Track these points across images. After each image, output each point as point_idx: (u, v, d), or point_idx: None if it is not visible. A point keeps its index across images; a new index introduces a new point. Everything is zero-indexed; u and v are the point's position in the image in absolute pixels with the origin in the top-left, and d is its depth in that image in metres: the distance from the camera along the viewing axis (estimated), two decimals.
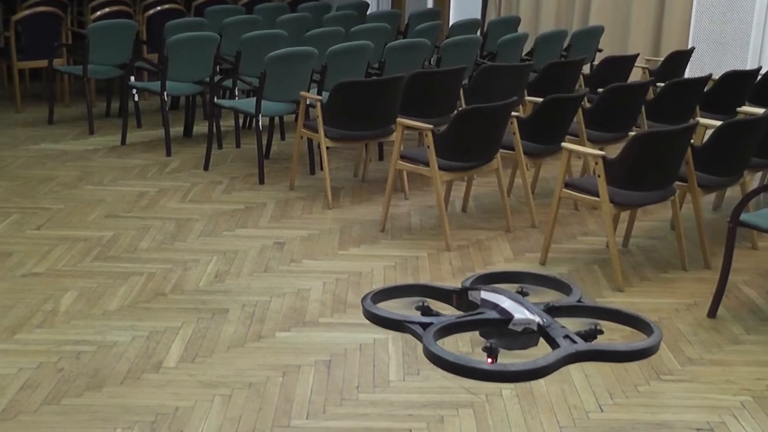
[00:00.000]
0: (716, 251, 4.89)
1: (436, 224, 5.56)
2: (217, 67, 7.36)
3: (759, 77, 7.20)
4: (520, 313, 2.49)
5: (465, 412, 3.36)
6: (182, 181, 6.38)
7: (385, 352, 3.84)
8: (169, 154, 7.06)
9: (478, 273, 2.83)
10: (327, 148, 6.01)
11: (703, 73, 6.95)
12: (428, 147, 5.14)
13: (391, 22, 9.09)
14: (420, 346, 3.83)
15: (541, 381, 3.58)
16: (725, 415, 3.40)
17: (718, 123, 5.09)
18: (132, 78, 7.65)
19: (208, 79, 7.24)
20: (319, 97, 6.03)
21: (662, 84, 6.74)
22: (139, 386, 3.48)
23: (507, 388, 3.53)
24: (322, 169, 6.10)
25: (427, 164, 5.19)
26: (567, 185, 4.90)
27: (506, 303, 2.55)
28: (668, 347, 3.91)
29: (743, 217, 4.28)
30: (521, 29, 9.35)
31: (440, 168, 5.17)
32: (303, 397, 3.45)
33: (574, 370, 3.65)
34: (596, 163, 4.63)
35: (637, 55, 8.04)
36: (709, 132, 5.13)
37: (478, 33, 9.11)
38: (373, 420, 3.30)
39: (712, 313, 4.34)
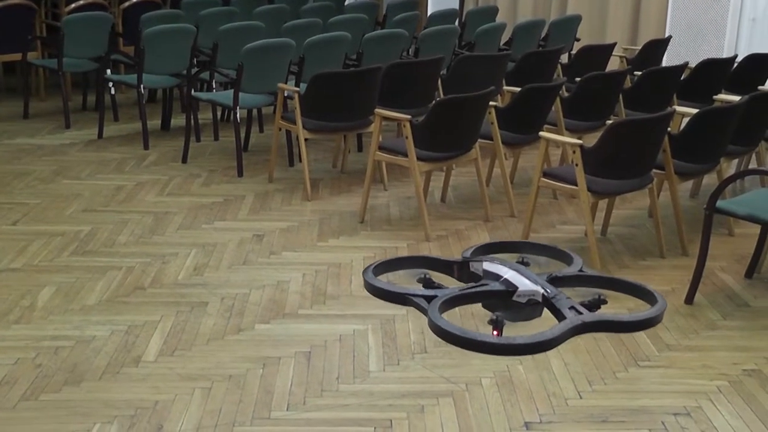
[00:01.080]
0: (693, 238, 4.92)
1: (415, 215, 5.56)
2: (194, 59, 7.33)
3: (735, 65, 7.24)
4: (524, 284, 2.47)
5: (445, 402, 3.37)
6: (160, 175, 6.36)
7: (365, 342, 3.84)
8: (146, 147, 7.03)
9: (478, 244, 2.80)
10: (305, 139, 6.00)
11: (680, 62, 6.98)
12: (407, 137, 5.14)
13: (368, 12, 9.07)
14: (400, 336, 3.85)
15: (520, 368, 3.61)
16: (702, 400, 3.43)
17: (695, 111, 5.11)
18: (108, 71, 7.61)
19: (185, 72, 7.21)
20: (297, 89, 6.01)
21: (639, 73, 6.77)
22: (118, 381, 3.47)
23: (486, 377, 3.54)
24: (300, 160, 6.10)
25: (405, 155, 5.19)
26: (545, 174, 4.91)
27: (509, 274, 2.52)
28: (646, 333, 3.93)
29: (719, 204, 4.31)
30: (499, 19, 9.37)
31: (419, 158, 5.17)
32: (283, 389, 3.44)
33: (553, 357, 3.67)
34: (574, 152, 4.64)
35: (615, 44, 8.06)
36: (686, 120, 5.15)
37: (456, 23, 9.10)
38: (354, 411, 3.30)
39: (690, 299, 4.37)
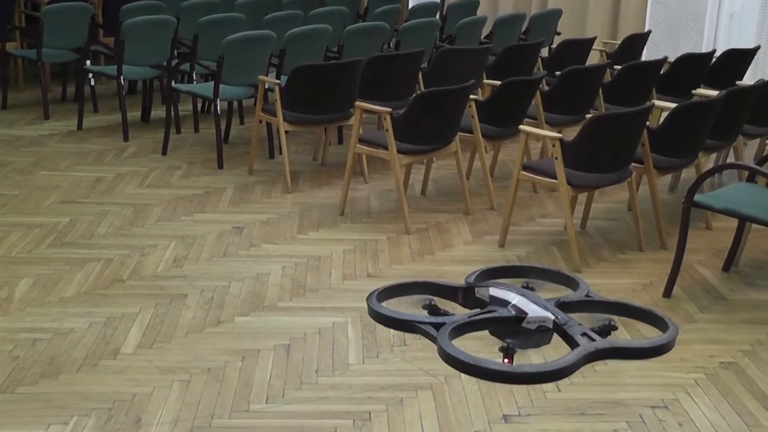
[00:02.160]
0: (672, 232, 4.95)
1: (395, 207, 5.56)
2: (175, 50, 7.30)
3: (713, 60, 7.27)
4: (533, 310, 2.44)
5: (424, 394, 3.38)
6: (140, 167, 6.33)
7: (345, 335, 3.85)
8: (126, 139, 7.00)
9: (481, 268, 2.78)
10: (286, 132, 5.99)
11: (659, 56, 7.00)
12: (387, 130, 5.14)
13: (349, 5, 9.06)
14: (379, 329, 3.85)
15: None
16: (679, 393, 3.45)
17: (674, 105, 5.14)
18: (88, 62, 7.56)
19: (165, 63, 7.18)
20: (278, 81, 6.00)
21: (619, 67, 6.79)
22: (96, 373, 3.46)
23: None
24: (281, 153, 6.09)
25: (386, 147, 5.19)
26: (525, 168, 4.92)
27: (516, 299, 2.49)
28: (623, 326, 3.95)
29: (697, 198, 4.33)
30: (480, 12, 9.38)
31: (399, 151, 5.18)
32: (262, 381, 3.44)
33: (532, 351, 3.68)
34: (554, 146, 4.66)
35: (595, 38, 8.09)
36: (665, 114, 5.18)
37: (437, 16, 9.10)
38: (333, 403, 3.31)
39: (668, 292, 4.39)
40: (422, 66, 6.72)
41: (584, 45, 7.79)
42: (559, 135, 4.70)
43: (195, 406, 3.25)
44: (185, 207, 5.50)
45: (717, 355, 3.79)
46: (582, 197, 5.34)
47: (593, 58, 8.06)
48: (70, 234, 4.94)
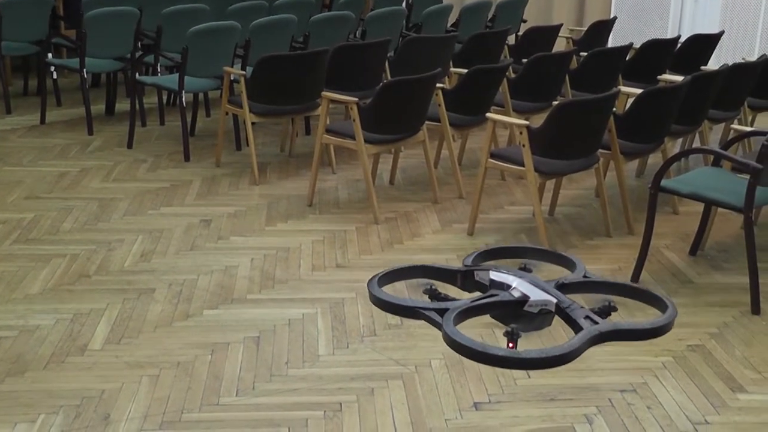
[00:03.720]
0: (639, 217, 4.97)
1: (363, 197, 5.55)
2: (138, 42, 7.22)
3: (678, 46, 7.32)
4: (536, 293, 2.43)
5: (395, 384, 3.38)
6: (105, 160, 6.27)
7: (314, 326, 3.83)
8: (90, 132, 6.93)
9: (479, 250, 2.76)
10: (252, 123, 5.95)
11: (625, 43, 7.03)
12: (354, 120, 5.12)
13: None
14: (349, 319, 3.85)
15: None
16: (647, 376, 3.47)
17: (640, 91, 5.16)
18: (49, 55, 7.47)
19: (128, 56, 7.11)
20: (243, 72, 5.96)
21: (585, 53, 6.81)
22: (63, 370, 3.42)
23: (435, 359, 3.55)
24: (248, 145, 6.05)
25: (353, 138, 5.18)
26: (492, 155, 4.93)
27: (517, 282, 2.47)
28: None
29: (664, 183, 4.35)
30: (446, 1, 9.36)
31: (366, 141, 5.16)
32: (232, 374, 3.42)
33: (502, 339, 3.69)
34: (521, 133, 4.66)
35: (561, 25, 8.11)
36: (631, 100, 5.20)
37: (403, 5, 9.09)
38: (304, 395, 3.29)
39: (635, 277, 4.41)
40: (389, 55, 6.70)
41: (550, 32, 7.80)
42: (526, 122, 4.71)
43: (164, 400, 3.22)
44: (152, 201, 5.45)
45: (684, 338, 3.81)
46: (550, 184, 5.36)
47: (559, 45, 8.09)
48: (34, 230, 4.89)
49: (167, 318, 3.89)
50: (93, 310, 3.94)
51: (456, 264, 4.53)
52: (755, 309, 4.12)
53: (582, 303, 2.40)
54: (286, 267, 4.49)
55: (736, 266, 4.63)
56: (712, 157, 4.92)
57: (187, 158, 6.32)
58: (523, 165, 4.69)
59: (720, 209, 4.66)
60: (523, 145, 4.65)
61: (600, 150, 4.99)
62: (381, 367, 3.50)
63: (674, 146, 6.42)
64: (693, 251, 4.81)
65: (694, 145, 6.53)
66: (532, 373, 3.46)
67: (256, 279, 4.33)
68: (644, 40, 7.23)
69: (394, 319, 3.88)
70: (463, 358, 3.53)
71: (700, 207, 4.76)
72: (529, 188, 4.81)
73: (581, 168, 4.93)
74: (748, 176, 4.09)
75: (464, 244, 4.86)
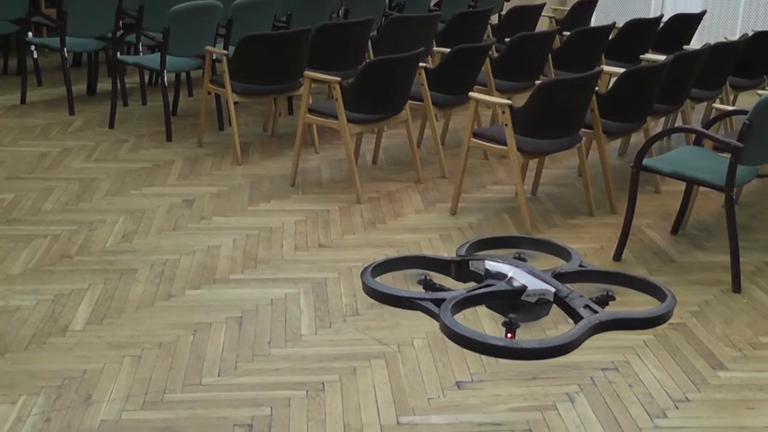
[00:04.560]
0: (622, 196, 4.98)
1: (346, 177, 5.54)
2: (120, 22, 7.17)
3: (661, 25, 7.32)
4: (534, 283, 2.40)
5: (377, 363, 3.38)
6: (87, 140, 6.24)
7: (297, 306, 3.83)
8: (72, 112, 6.88)
9: (471, 240, 2.74)
10: (235, 103, 5.93)
11: (608, 22, 7.03)
12: (336, 100, 5.10)
13: None
14: (332, 299, 3.85)
15: None
16: (629, 354, 3.49)
17: (622, 70, 5.16)
18: (30, 34, 7.39)
19: (110, 35, 7.05)
20: (225, 52, 5.93)
21: (568, 33, 6.80)
22: (44, 351, 3.41)
23: (418, 338, 3.56)
24: (230, 124, 6.03)
25: (336, 117, 5.16)
26: (475, 135, 4.92)
27: (513, 272, 2.45)
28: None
29: (646, 162, 4.36)
30: None
31: (349, 121, 5.15)
32: (214, 354, 3.42)
33: (483, 317, 3.70)
34: (503, 112, 4.66)
35: (544, 4, 8.10)
36: (614, 79, 5.21)
37: None
38: (286, 374, 3.29)
39: (618, 256, 4.43)
40: (371, 34, 6.67)
41: (533, 11, 7.79)
42: (509, 102, 4.71)
43: (147, 381, 3.22)
44: (134, 181, 5.43)
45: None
46: (533, 163, 5.36)
47: (542, 25, 8.08)
48: (15, 210, 4.86)
49: (149, 298, 3.88)
50: (74, 290, 3.92)
51: (439, 243, 4.55)
52: (736, 287, 4.14)
53: (579, 292, 2.39)
54: (269, 247, 4.48)
55: (718, 245, 4.65)
56: (694, 137, 4.93)
57: (169, 138, 6.29)
58: (505, 144, 4.69)
59: (702, 188, 4.68)
60: (506, 125, 4.65)
61: (582, 129, 4.99)
62: (363, 347, 3.50)
63: (656, 125, 6.43)
64: (675, 230, 4.83)
65: (676, 125, 6.56)
66: None
67: (238, 259, 4.32)
68: (627, 20, 7.23)
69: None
70: (445, 338, 3.54)
71: (681, 186, 4.77)
72: (512, 167, 4.81)
73: (564, 147, 4.94)
74: (729, 155, 4.10)
75: (447, 224, 4.86)
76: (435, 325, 3.60)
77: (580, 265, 2.61)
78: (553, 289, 2.37)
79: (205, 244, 4.49)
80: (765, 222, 5.00)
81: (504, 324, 2.29)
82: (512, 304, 2.39)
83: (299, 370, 3.33)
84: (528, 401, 3.16)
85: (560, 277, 2.50)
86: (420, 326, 3.63)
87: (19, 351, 3.39)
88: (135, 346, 3.46)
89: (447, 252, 4.45)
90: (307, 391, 3.17)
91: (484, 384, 3.27)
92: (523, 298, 2.37)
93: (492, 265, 2.49)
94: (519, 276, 2.41)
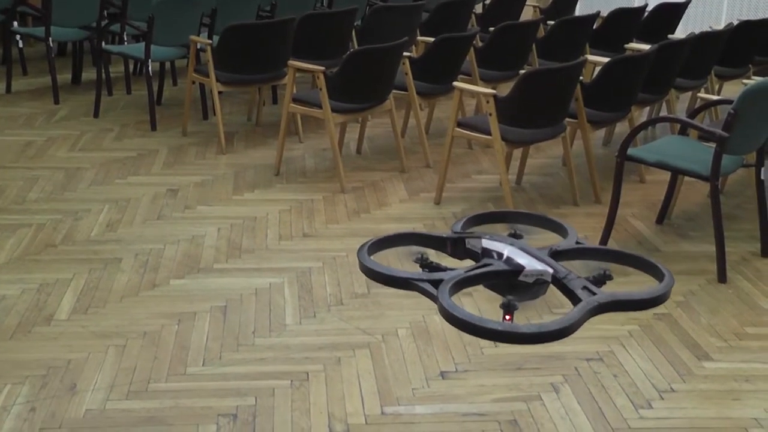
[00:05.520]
0: (606, 186, 5.00)
1: (330, 167, 5.54)
2: (104, 11, 7.13)
3: (645, 14, 7.33)
4: (530, 263, 2.35)
5: (361, 353, 3.38)
6: (71, 130, 6.21)
7: (281, 296, 3.83)
8: (57, 102, 6.85)
9: (467, 216, 2.72)
10: (219, 92, 5.91)
11: (592, 11, 7.03)
12: (320, 89, 5.10)
13: None
14: (316, 288, 3.85)
15: (436, 318, 3.62)
16: (614, 344, 3.50)
17: (606, 60, 5.17)
18: (15, 23, 7.35)
19: (94, 24, 7.02)
20: (210, 41, 5.91)
21: (552, 22, 6.81)
22: (29, 340, 3.40)
23: (402, 328, 3.56)
24: (214, 114, 6.01)
25: (320, 106, 5.15)
26: (459, 124, 4.92)
27: (508, 250, 2.41)
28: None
29: (630, 151, 4.37)
30: None
31: (333, 110, 5.14)
32: (199, 344, 3.42)
33: (468, 306, 3.71)
34: (488, 102, 4.66)
35: None
36: (598, 69, 5.21)
37: None
38: (270, 364, 3.30)
39: (603, 245, 4.44)
40: (355, 24, 6.66)
41: (518, 1, 7.79)
42: (494, 91, 4.71)
43: (131, 370, 3.21)
44: (118, 170, 5.41)
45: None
46: (517, 153, 5.37)
47: (527, 14, 8.07)
48: (0, 199, 4.85)
49: (134, 288, 3.87)
50: (59, 280, 3.91)
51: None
52: (721, 277, 4.16)
53: (576, 270, 2.37)
54: (253, 236, 4.47)
55: (703, 234, 4.67)
56: (678, 126, 4.94)
57: (153, 127, 6.27)
58: (490, 134, 4.70)
59: (686, 178, 4.69)
60: (490, 114, 4.65)
61: (567, 119, 5.00)
62: (348, 337, 3.51)
63: (641, 115, 6.44)
64: (660, 220, 4.85)
65: (661, 114, 6.57)
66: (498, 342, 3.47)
67: (222, 248, 4.32)
68: (611, 9, 7.23)
69: (360, 288, 3.89)
70: (429, 327, 3.55)
71: (666, 175, 4.79)
72: (497, 157, 4.81)
73: (548, 137, 4.95)
74: (714, 145, 4.11)
75: (431, 213, 4.87)
76: (419, 314, 3.64)
77: (577, 242, 2.59)
78: (550, 270, 2.34)
79: (190, 234, 4.48)
80: (750, 212, 5.02)
81: (502, 306, 2.27)
82: (510, 284, 2.37)
83: (283, 360, 3.33)
84: (513, 391, 3.17)
85: (557, 255, 2.46)
86: (404, 316, 3.63)
87: (4, 340, 3.38)
88: (120, 335, 3.46)
89: None
90: (291, 381, 3.18)
91: (468, 374, 3.27)
92: (521, 278, 2.34)
93: (488, 243, 2.47)
94: (515, 255, 2.38)
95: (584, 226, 4.73)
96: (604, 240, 4.45)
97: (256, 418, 2.95)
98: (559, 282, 2.34)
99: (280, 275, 4.03)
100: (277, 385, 3.14)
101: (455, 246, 2.55)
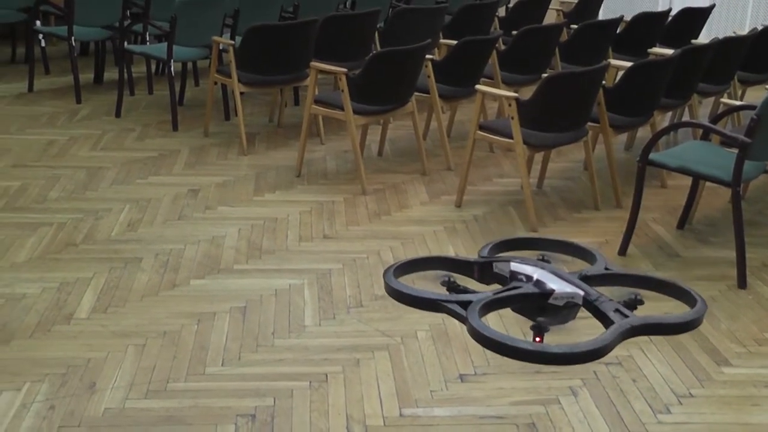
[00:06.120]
0: (628, 191, 4.97)
1: (352, 168, 5.54)
2: (127, 11, 7.16)
3: (669, 19, 7.29)
4: (560, 285, 2.33)
5: (380, 355, 3.38)
6: (93, 129, 6.24)
7: (301, 297, 3.83)
8: (79, 101, 6.89)
9: (494, 241, 2.71)
10: (241, 93, 5.93)
11: (616, 15, 7.01)
12: (342, 91, 5.10)
13: None
14: (336, 290, 3.85)
15: (455, 321, 3.61)
16: (633, 349, 3.48)
17: (629, 64, 5.15)
18: (38, 22, 7.40)
19: (117, 24, 7.05)
20: (232, 42, 5.93)
21: (576, 26, 6.78)
22: (49, 338, 3.42)
23: (422, 330, 3.56)
24: (236, 114, 6.03)
25: (342, 108, 5.16)
26: (481, 127, 4.91)
27: (539, 274, 2.35)
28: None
29: (652, 156, 4.35)
30: None
31: (355, 112, 5.14)
32: (218, 344, 3.42)
33: (499, 319, 3.69)
34: (510, 105, 4.65)
35: None
36: (621, 73, 5.19)
37: None
38: (289, 365, 3.30)
39: (623, 250, 4.42)
40: (378, 26, 6.67)
41: (541, 4, 7.77)
42: (516, 94, 4.70)
43: (150, 370, 3.22)
44: (140, 170, 5.43)
45: (671, 312, 3.81)
46: (539, 157, 5.35)
47: (550, 18, 8.05)
48: (21, 198, 4.87)
49: (154, 287, 3.88)
50: (79, 279, 3.93)
51: (444, 236, 4.55)
52: (742, 283, 4.13)
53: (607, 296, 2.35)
54: (274, 237, 4.48)
55: (724, 240, 4.64)
56: (701, 131, 4.92)
57: (175, 128, 6.30)
58: (511, 137, 4.68)
59: (708, 183, 4.66)
60: (512, 118, 4.64)
61: (589, 123, 4.98)
62: (367, 338, 3.51)
63: (663, 120, 6.41)
64: (681, 225, 4.82)
65: (683, 119, 6.53)
66: None
67: (243, 249, 4.33)
68: (635, 13, 7.21)
69: (380, 290, 3.88)
70: (449, 330, 3.55)
71: (688, 181, 4.76)
72: (518, 161, 4.80)
73: (570, 141, 4.93)
74: (736, 150, 4.09)
75: (452, 216, 4.86)
76: (438, 317, 3.63)
77: (606, 269, 2.57)
78: (581, 293, 2.32)
79: (210, 234, 4.49)
80: None
81: (532, 327, 2.26)
82: (539, 307, 2.34)
83: (303, 361, 3.33)
84: (531, 395, 3.16)
85: (587, 279, 2.44)
86: (423, 319, 3.63)
87: (24, 338, 3.40)
88: (139, 335, 3.47)
89: (452, 245, 4.45)
90: (310, 382, 3.18)
91: (487, 377, 3.27)
92: (551, 301, 2.31)
93: (517, 267, 2.44)
94: (545, 278, 2.36)
95: (605, 231, 4.71)
96: (625, 245, 4.43)
97: (274, 418, 2.95)
98: (590, 305, 2.31)
99: (300, 276, 4.04)
100: (295, 386, 3.15)
101: (482, 270, 2.53)
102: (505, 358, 3.35)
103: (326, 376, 3.23)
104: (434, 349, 3.44)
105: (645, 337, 3.56)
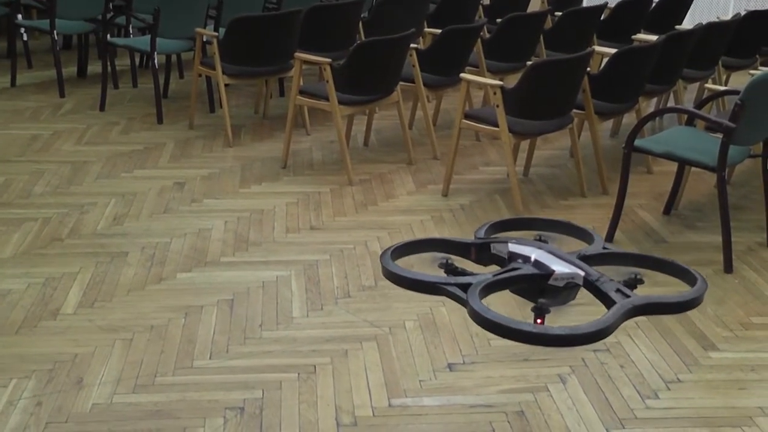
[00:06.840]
0: (614, 177, 4.98)
1: (338, 159, 5.53)
2: (110, 4, 7.12)
3: (653, 5, 7.30)
4: (560, 266, 2.32)
5: (369, 345, 3.38)
6: (77, 123, 6.21)
7: (288, 289, 3.82)
8: (62, 95, 6.85)
9: (490, 222, 2.68)
10: (226, 85, 5.90)
11: (600, 2, 7.00)
12: (327, 81, 5.08)
13: None
14: (323, 281, 3.84)
15: (443, 310, 3.62)
16: (620, 335, 3.49)
17: (614, 51, 5.15)
18: (19, 16, 7.34)
19: (100, 17, 7.01)
20: (216, 34, 5.90)
21: (560, 13, 6.78)
22: (35, 334, 3.40)
23: (410, 320, 3.56)
24: (221, 106, 6.01)
25: (327, 99, 5.14)
26: (467, 116, 4.91)
27: (537, 255, 2.34)
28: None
29: (638, 142, 4.36)
30: None
31: (340, 102, 5.13)
32: (206, 337, 3.41)
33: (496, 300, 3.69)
34: (495, 93, 4.65)
35: None
36: (606, 60, 5.19)
37: None
38: (277, 357, 3.29)
39: (610, 237, 4.43)
40: (362, 16, 6.64)
41: None
42: (501, 82, 4.69)
43: (138, 364, 3.21)
44: (125, 163, 5.41)
45: (665, 291, 3.82)
46: (524, 144, 5.36)
47: (534, 5, 8.03)
48: (5, 194, 4.84)
49: (140, 281, 3.87)
50: (65, 273, 3.91)
51: (431, 225, 4.55)
52: (728, 268, 4.14)
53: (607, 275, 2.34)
54: (260, 229, 4.47)
55: (710, 225, 4.65)
56: (686, 117, 4.92)
57: (160, 120, 6.27)
58: (497, 125, 4.68)
59: (694, 168, 4.67)
60: (498, 106, 4.64)
61: (574, 110, 4.98)
62: (355, 329, 3.50)
63: (648, 106, 6.42)
64: (667, 210, 4.83)
65: (668, 105, 6.54)
66: None
67: (229, 241, 4.31)
68: (619, 0, 7.20)
69: (368, 281, 3.88)
70: (437, 319, 3.54)
71: (673, 166, 4.77)
72: (504, 149, 4.80)
73: (555, 128, 4.93)
74: (721, 135, 4.09)
75: (439, 205, 4.86)
76: (426, 306, 3.63)
77: (604, 248, 2.55)
78: (582, 273, 2.30)
79: (197, 227, 4.47)
80: (757, 202, 4.99)
81: (533, 309, 2.24)
82: (539, 288, 2.32)
83: (291, 353, 3.32)
84: (520, 383, 3.17)
85: (585, 259, 2.42)
86: (412, 308, 3.63)
87: (10, 335, 3.38)
88: (126, 329, 3.46)
89: (439, 234, 4.45)
90: (298, 374, 3.17)
91: (475, 366, 3.27)
92: (551, 282, 2.30)
93: (515, 248, 2.42)
94: (544, 259, 2.34)
95: (592, 218, 4.72)
96: (612, 231, 4.43)
97: (263, 411, 2.95)
98: (591, 285, 2.29)
99: (288, 268, 4.03)
100: (284, 378, 3.14)
101: (480, 251, 2.50)
102: (493, 347, 3.38)
103: (315, 367, 3.22)
104: (422, 338, 3.44)
105: (632, 323, 3.57)
